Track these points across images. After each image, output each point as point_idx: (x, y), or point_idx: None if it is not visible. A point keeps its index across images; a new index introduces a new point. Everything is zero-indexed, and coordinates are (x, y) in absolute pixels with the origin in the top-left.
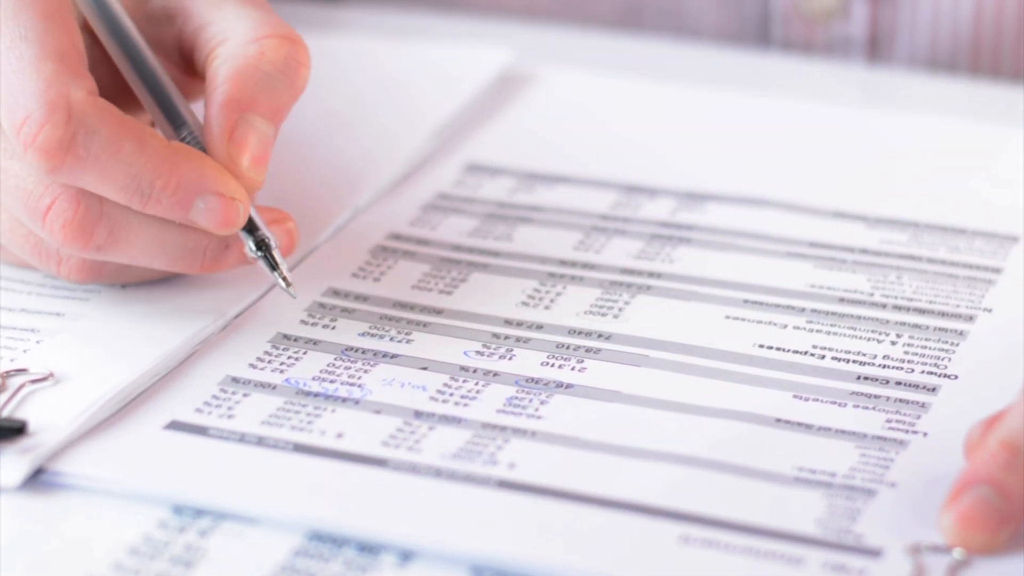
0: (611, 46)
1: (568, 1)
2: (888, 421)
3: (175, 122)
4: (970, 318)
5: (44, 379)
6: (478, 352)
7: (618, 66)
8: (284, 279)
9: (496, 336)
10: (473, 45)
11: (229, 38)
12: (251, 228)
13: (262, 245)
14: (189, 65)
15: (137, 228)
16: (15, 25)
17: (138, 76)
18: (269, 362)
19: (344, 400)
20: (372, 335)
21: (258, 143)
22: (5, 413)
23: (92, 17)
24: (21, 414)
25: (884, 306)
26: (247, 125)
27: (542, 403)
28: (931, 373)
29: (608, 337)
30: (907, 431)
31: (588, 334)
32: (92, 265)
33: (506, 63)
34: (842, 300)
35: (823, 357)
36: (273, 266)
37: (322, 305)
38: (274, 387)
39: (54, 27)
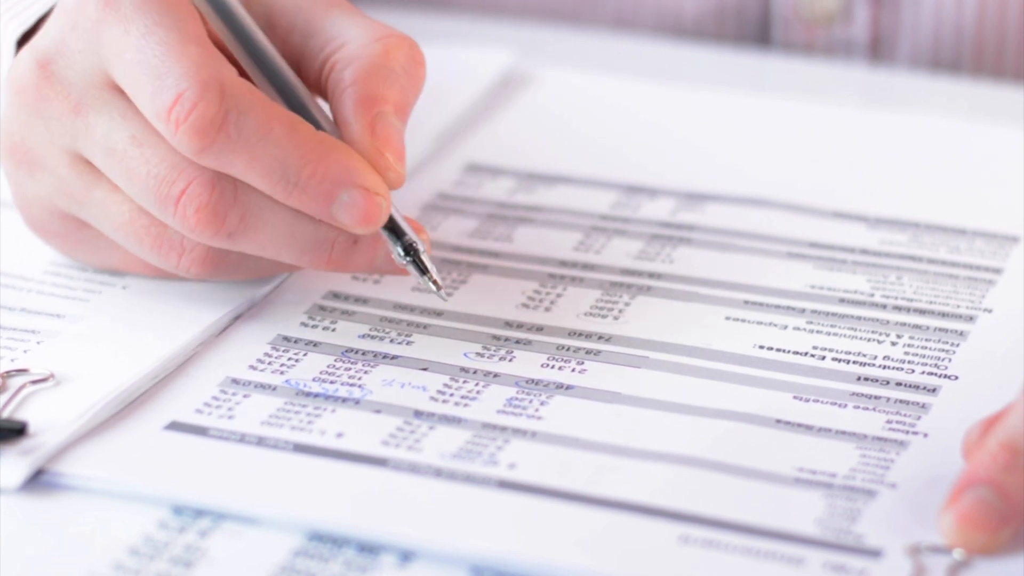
0: (611, 47)
1: (568, 2)
2: (888, 422)
3: (308, 120)
4: (970, 318)
5: (45, 380)
6: (478, 354)
7: (618, 67)
8: (435, 283)
9: (496, 338)
10: (473, 46)
11: (347, 42)
12: (397, 233)
13: (410, 250)
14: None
15: (269, 216)
16: (145, 14)
17: (264, 76)
18: (269, 363)
19: (344, 400)
20: (372, 337)
21: (397, 138)
22: (5, 414)
23: (211, 16)
24: (21, 415)
25: (884, 307)
26: (385, 121)
27: (542, 404)
28: (931, 374)
29: (608, 338)
30: (907, 432)
31: (588, 336)
32: (214, 257)
33: (506, 65)
34: (842, 301)
35: (823, 358)
36: (423, 271)
37: (322, 308)
38: (274, 388)
39: (186, 16)
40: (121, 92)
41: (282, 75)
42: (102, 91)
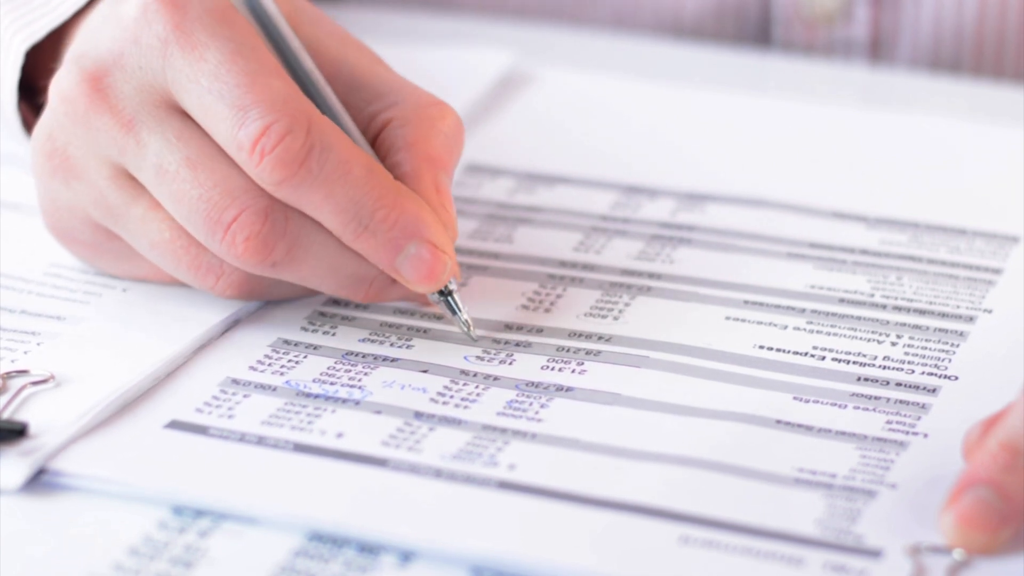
0: (611, 47)
1: (568, 1)
2: (888, 422)
3: None
4: (970, 319)
5: (45, 381)
6: (478, 357)
7: (618, 67)
8: (466, 323)
9: (496, 341)
10: (473, 47)
11: (399, 101)
12: None
13: (444, 290)
14: None
15: (316, 249)
16: (221, 41)
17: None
18: (270, 364)
19: (344, 401)
20: (372, 341)
21: (452, 200)
22: (6, 415)
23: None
24: (22, 416)
25: (884, 307)
26: (446, 181)
27: (542, 406)
28: (931, 374)
29: (608, 339)
30: (907, 432)
31: (588, 336)
32: (250, 281)
33: (506, 65)
34: (842, 301)
35: (823, 358)
36: (455, 310)
37: (322, 314)
38: (274, 388)
39: (260, 47)
40: (179, 113)
41: (342, 121)
42: (158, 110)
